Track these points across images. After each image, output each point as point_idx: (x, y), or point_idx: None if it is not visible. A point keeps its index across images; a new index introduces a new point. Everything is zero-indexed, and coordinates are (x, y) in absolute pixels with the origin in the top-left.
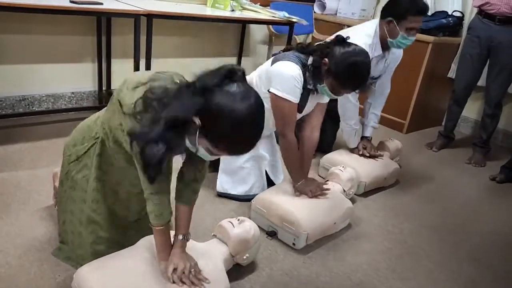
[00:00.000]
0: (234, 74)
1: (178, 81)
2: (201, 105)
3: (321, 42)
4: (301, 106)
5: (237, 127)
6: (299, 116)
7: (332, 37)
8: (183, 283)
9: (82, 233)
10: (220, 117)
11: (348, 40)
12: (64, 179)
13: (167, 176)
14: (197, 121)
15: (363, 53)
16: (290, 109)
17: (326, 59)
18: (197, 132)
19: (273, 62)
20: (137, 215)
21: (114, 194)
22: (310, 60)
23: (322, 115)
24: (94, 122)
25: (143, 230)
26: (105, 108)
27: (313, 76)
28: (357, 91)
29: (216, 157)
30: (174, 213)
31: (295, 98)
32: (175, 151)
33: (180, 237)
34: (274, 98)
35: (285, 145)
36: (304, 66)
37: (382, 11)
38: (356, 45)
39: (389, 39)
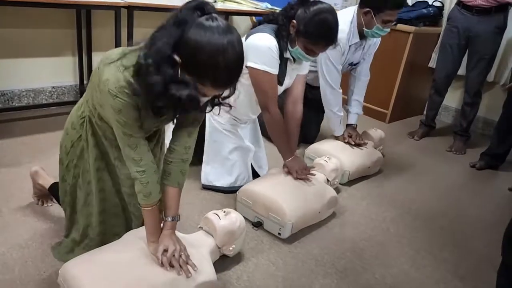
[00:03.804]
0: (205, 5)
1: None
2: (178, 37)
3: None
4: (280, 77)
5: (218, 55)
6: (280, 89)
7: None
8: (172, 266)
9: (92, 214)
10: (200, 47)
11: None
12: (65, 173)
13: (154, 152)
14: (177, 58)
15: (329, 8)
16: (270, 81)
17: (294, 21)
18: (179, 71)
19: (247, 38)
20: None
21: (115, 173)
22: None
23: (303, 87)
24: (80, 104)
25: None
26: (87, 87)
27: (284, 40)
28: (331, 47)
29: (205, 99)
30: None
31: (273, 69)
32: (172, 86)
33: (170, 218)
34: (253, 72)
35: (270, 120)
36: (277, 36)
37: (360, 1)
38: (320, 2)
39: (364, 29)
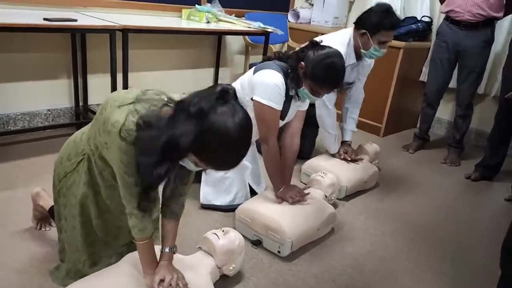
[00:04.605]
0: (226, 94)
1: (166, 99)
2: (198, 129)
3: (296, 49)
4: (283, 113)
5: (227, 145)
6: (281, 123)
7: (307, 42)
8: None
9: (78, 248)
10: (211, 136)
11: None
12: (57, 197)
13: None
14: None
15: (337, 53)
16: (274, 116)
17: (303, 63)
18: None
19: (255, 71)
20: (129, 236)
21: (103, 213)
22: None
23: (302, 121)
24: (80, 138)
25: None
26: (90, 124)
27: (292, 81)
28: (335, 90)
29: (202, 169)
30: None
31: (278, 105)
32: (172, 171)
33: (167, 249)
34: (258, 105)
35: (268, 152)
36: (285, 74)
37: (356, 22)
38: (329, 47)
39: (362, 50)
